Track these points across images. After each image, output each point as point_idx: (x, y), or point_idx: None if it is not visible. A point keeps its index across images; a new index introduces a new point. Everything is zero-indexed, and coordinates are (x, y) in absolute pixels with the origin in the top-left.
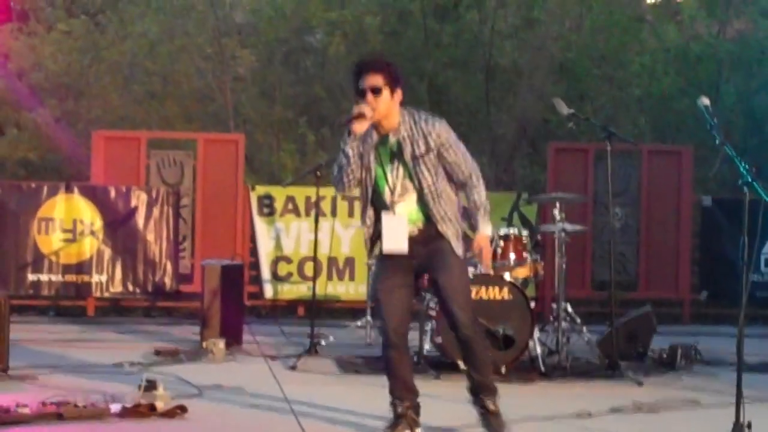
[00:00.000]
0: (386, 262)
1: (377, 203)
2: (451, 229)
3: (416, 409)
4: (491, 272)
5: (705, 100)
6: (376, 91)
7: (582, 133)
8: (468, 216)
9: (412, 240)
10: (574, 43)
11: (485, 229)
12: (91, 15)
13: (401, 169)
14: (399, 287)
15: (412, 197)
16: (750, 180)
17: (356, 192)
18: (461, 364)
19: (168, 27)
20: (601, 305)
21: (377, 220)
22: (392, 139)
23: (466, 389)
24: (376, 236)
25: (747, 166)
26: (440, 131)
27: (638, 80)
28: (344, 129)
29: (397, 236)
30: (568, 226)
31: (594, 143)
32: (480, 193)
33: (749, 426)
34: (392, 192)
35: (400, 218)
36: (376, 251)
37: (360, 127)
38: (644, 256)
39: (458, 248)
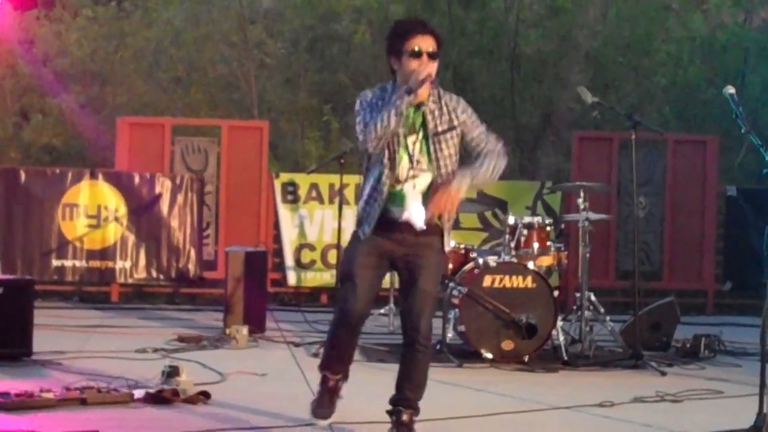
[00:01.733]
0: (367, 241)
1: (390, 175)
2: (448, 223)
3: (345, 377)
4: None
5: (730, 89)
6: (433, 56)
7: (607, 122)
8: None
9: (407, 224)
10: (599, 32)
11: (462, 182)
12: (117, 1)
13: (420, 144)
14: (374, 269)
15: (426, 177)
16: None
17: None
18: (485, 353)
19: (193, 14)
20: (624, 294)
21: (385, 197)
22: (419, 111)
23: (390, 400)
24: (379, 209)
25: None
26: (464, 108)
27: (663, 69)
28: (403, 87)
29: (418, 209)
30: (592, 215)
31: (618, 132)
32: (495, 166)
33: None
34: (412, 166)
35: (418, 193)
36: (366, 227)
37: (425, 90)
38: (668, 246)
39: (447, 244)
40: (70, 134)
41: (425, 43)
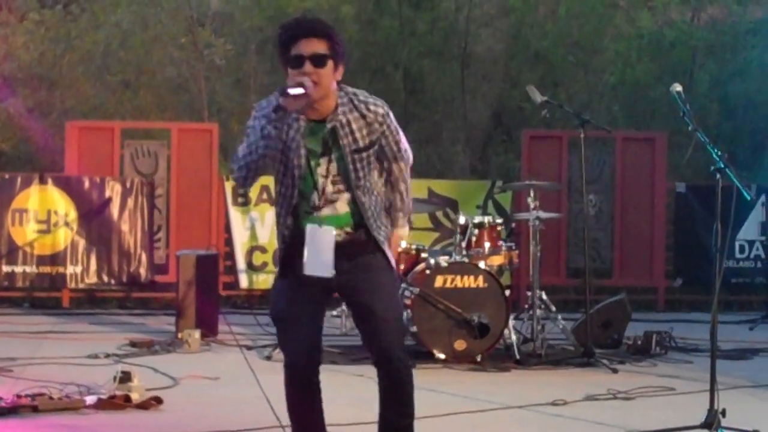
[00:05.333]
0: (297, 277)
1: (298, 209)
2: (382, 235)
3: None
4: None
5: (677, 87)
6: (318, 61)
7: (556, 120)
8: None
9: (337, 248)
10: (549, 31)
11: (403, 229)
12: (64, 5)
13: (334, 165)
14: (309, 303)
15: (344, 198)
16: (723, 166)
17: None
18: (437, 353)
19: (141, 16)
20: (575, 292)
21: (297, 232)
22: (327, 126)
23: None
24: (294, 251)
25: (720, 153)
26: (384, 114)
27: (612, 67)
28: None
29: (323, 256)
30: (543, 214)
31: (568, 130)
32: (408, 191)
33: (723, 413)
34: (321, 194)
35: (327, 232)
36: (288, 270)
37: (295, 103)
38: (619, 243)
39: (393, 259)
40: (18, 139)
41: (309, 47)
